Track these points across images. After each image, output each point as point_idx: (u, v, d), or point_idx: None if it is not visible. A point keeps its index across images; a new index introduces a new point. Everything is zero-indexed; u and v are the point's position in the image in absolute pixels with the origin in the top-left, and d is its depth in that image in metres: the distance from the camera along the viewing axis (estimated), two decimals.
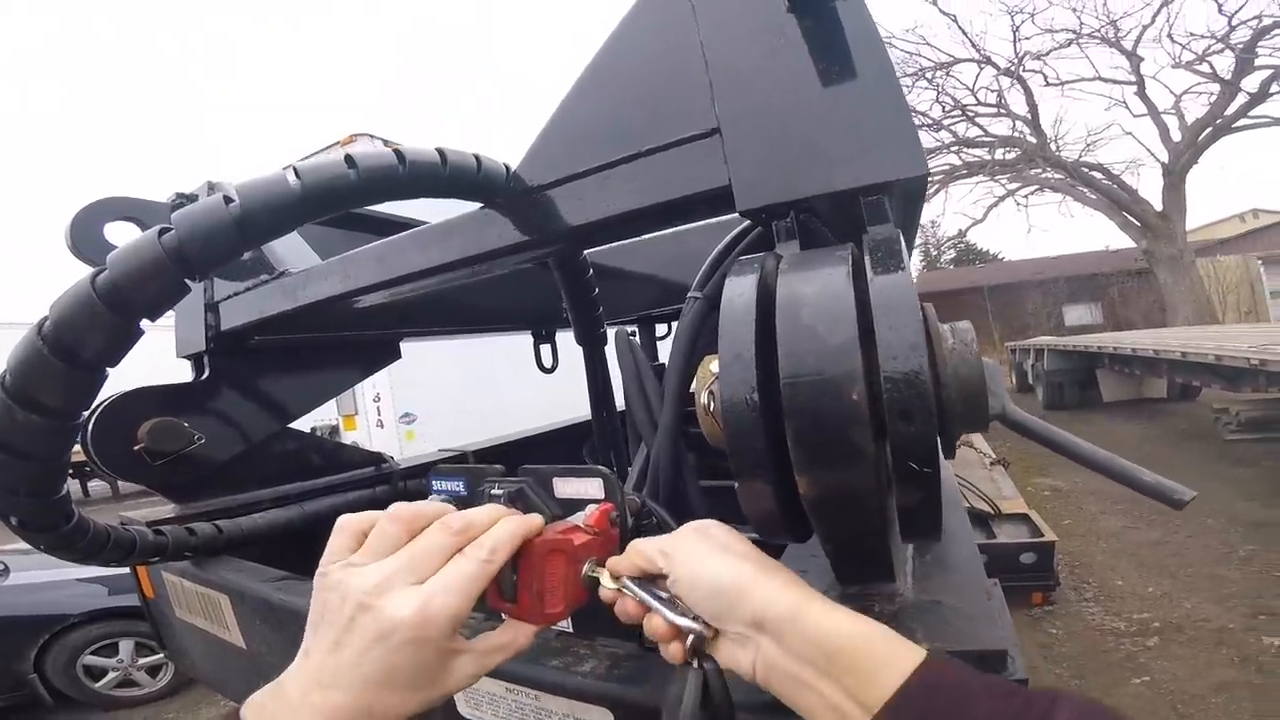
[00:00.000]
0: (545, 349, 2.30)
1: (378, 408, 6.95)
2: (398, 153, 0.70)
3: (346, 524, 0.50)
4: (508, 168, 0.85)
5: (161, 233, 0.62)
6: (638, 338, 2.65)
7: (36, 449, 0.70)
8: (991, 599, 0.54)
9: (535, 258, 1.05)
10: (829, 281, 0.43)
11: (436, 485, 0.72)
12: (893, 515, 0.50)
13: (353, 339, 1.74)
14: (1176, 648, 3.37)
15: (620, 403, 1.50)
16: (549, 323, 2.28)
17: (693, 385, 0.80)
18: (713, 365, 0.51)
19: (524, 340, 2.33)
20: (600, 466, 0.60)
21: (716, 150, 0.68)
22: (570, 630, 0.70)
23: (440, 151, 0.75)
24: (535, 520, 0.53)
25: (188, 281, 0.65)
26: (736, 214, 0.74)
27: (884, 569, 0.54)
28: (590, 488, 0.60)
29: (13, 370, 0.64)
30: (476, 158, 0.79)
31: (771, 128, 0.65)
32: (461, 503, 0.71)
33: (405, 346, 1.92)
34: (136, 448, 1.30)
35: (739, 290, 0.46)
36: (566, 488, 0.62)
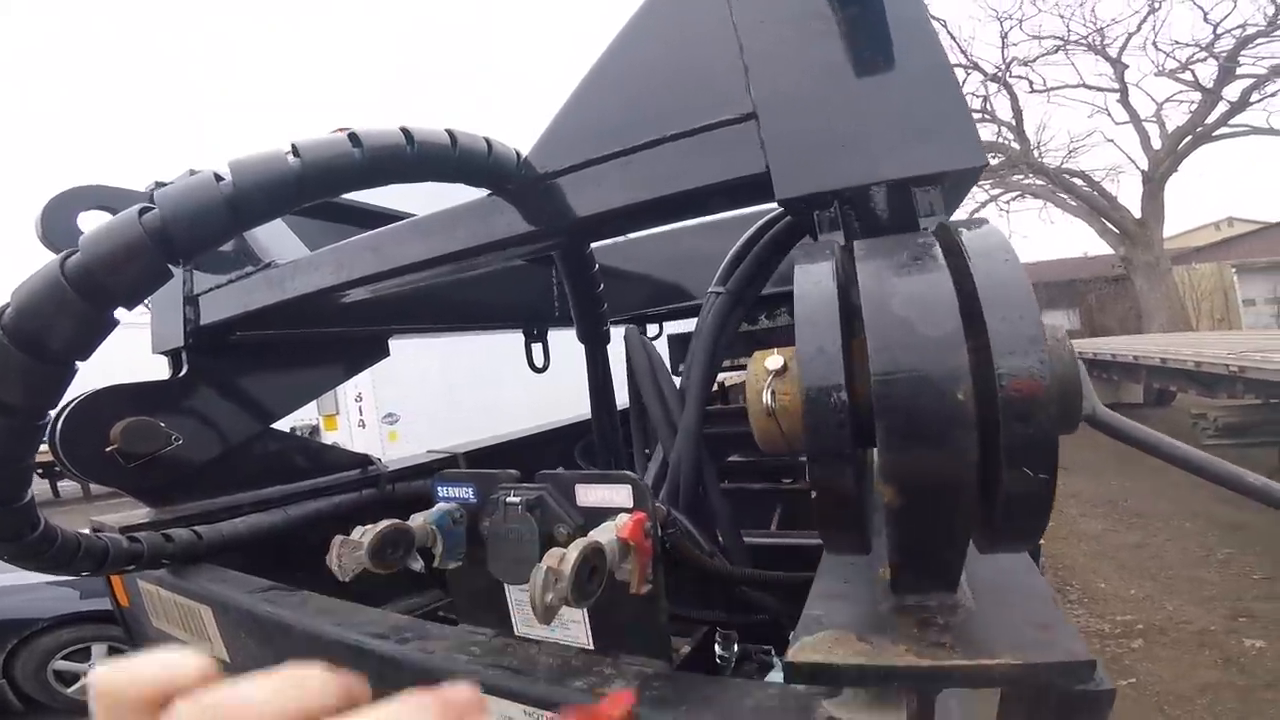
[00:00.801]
0: (537, 348, 2.24)
1: (359, 407, 6.81)
2: (405, 131, 0.64)
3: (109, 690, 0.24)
4: (518, 153, 0.80)
5: (142, 212, 0.55)
6: None
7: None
8: (1059, 607, 0.50)
9: (544, 249, 1.00)
10: (922, 269, 0.38)
11: (443, 492, 0.66)
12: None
13: (340, 335, 1.67)
14: (1160, 649, 3.40)
15: (620, 403, 1.45)
16: (541, 321, 2.23)
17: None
18: (768, 361, 0.46)
19: (512, 340, 2.27)
20: (628, 472, 0.55)
21: (752, 135, 0.64)
22: (592, 648, 0.65)
23: (450, 133, 0.69)
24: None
25: (170, 267, 0.59)
26: (768, 204, 0.70)
27: (949, 580, 0.50)
28: (618, 495, 0.56)
29: None
30: (487, 141, 0.74)
31: (814, 114, 0.61)
32: (471, 512, 0.65)
33: (391, 344, 1.85)
34: (109, 449, 1.22)
35: (815, 278, 0.41)
36: (590, 495, 0.58)
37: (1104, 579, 4.40)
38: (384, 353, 1.81)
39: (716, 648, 0.85)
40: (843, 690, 0.50)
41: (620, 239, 2.30)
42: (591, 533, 0.54)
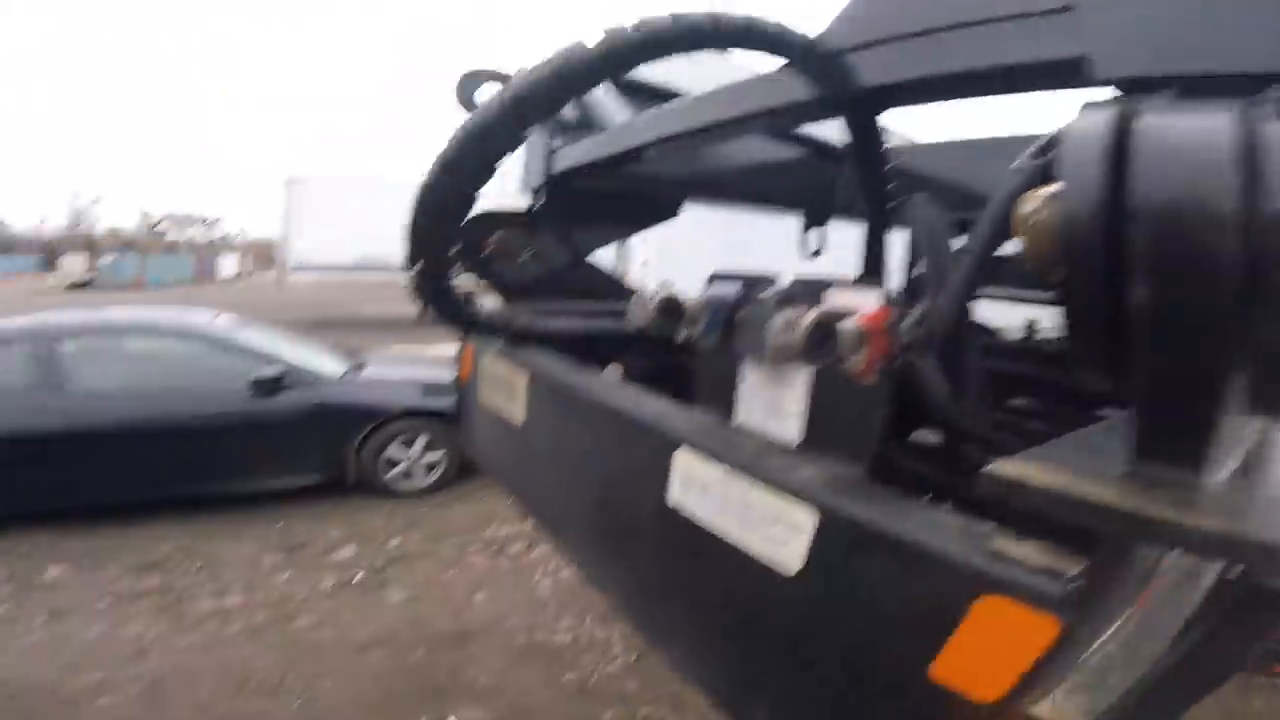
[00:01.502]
0: (813, 234, 2.28)
1: (645, 272, 7.67)
2: (708, 13, 0.76)
3: None
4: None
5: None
6: None
7: (451, 210, 0.96)
8: None
9: (832, 115, 1.06)
10: (1204, 114, 0.39)
11: (712, 289, 0.82)
12: (1231, 391, 0.42)
13: (645, 194, 1.97)
14: None
15: None
16: (820, 211, 2.24)
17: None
18: (1046, 190, 0.45)
19: (787, 230, 2.34)
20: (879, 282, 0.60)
21: (1067, 23, 0.61)
22: (798, 443, 0.74)
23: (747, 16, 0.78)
24: None
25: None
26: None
27: (1195, 454, 0.44)
28: (866, 300, 0.59)
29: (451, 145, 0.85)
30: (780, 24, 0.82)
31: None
32: (733, 305, 0.78)
33: (676, 225, 2.10)
34: (485, 254, 1.69)
35: (1092, 115, 0.43)
36: (839, 298, 0.61)
37: None
38: (673, 213, 2.08)
39: None
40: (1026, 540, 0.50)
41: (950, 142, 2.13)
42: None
